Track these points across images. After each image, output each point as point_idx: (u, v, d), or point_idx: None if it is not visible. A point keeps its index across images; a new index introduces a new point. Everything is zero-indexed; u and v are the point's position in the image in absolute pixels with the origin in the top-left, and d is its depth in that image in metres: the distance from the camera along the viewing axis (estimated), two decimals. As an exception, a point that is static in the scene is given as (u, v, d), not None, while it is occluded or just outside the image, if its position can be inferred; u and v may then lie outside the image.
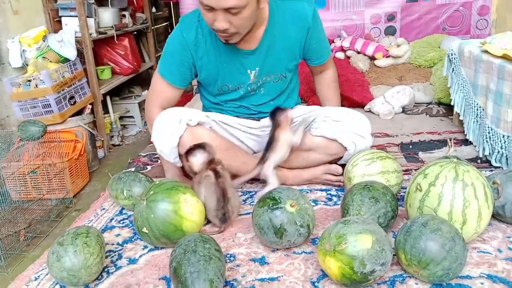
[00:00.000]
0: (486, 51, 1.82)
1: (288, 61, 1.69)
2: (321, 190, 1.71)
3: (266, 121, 1.75)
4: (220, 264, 1.12)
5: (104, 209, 1.69)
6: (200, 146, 1.47)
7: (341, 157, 1.69)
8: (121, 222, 1.58)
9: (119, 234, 1.49)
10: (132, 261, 1.33)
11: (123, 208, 1.69)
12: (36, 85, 2.10)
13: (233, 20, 1.39)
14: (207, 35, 1.59)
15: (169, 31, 4.19)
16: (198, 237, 1.17)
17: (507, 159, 1.70)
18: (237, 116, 1.78)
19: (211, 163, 1.46)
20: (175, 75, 1.66)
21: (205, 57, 1.62)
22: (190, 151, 1.47)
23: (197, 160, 1.46)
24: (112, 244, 1.42)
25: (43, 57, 2.22)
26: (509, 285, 1.11)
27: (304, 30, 1.63)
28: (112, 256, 1.35)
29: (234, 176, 1.65)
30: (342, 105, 1.92)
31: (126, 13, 3.05)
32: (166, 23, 4.14)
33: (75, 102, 2.27)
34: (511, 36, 1.79)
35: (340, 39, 3.00)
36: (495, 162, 1.77)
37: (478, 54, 1.86)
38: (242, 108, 1.77)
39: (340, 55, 2.98)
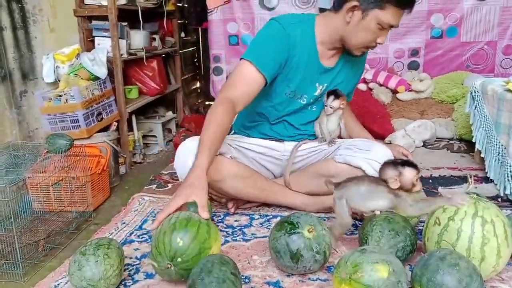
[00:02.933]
0: (509, 90, 1.82)
1: (348, 89, 1.83)
2: (338, 218, 1.70)
3: (290, 145, 1.80)
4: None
5: (124, 223, 1.73)
6: (411, 164, 1.36)
7: None
8: (140, 236, 1.61)
9: (137, 249, 1.51)
10: (149, 275, 1.34)
11: (143, 223, 1.72)
12: (66, 100, 2.18)
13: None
14: (303, 39, 1.64)
15: (196, 55, 4.31)
16: (217, 259, 1.17)
17: (528, 199, 1.68)
18: (262, 138, 1.82)
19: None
20: (266, 61, 1.58)
21: (297, 57, 1.65)
22: (406, 164, 1.35)
23: (411, 174, 1.33)
24: (131, 258, 1.44)
25: (75, 74, 2.30)
26: (528, 327, 1.09)
27: (362, 69, 1.90)
28: (130, 270, 1.37)
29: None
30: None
31: (156, 37, 3.14)
32: (193, 48, 4.25)
33: (102, 119, 2.34)
34: (535, 76, 1.80)
35: (364, 72, 3.04)
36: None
37: (502, 93, 1.86)
38: (282, 124, 1.80)
39: (362, 86, 3.02)
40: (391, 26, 1.57)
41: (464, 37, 3.06)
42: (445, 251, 1.16)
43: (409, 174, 1.33)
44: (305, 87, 1.72)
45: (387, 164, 1.37)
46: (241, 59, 1.63)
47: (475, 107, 2.11)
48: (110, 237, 1.57)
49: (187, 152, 1.61)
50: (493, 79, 2.15)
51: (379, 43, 1.61)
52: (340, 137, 1.85)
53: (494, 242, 1.19)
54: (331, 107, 1.75)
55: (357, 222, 1.67)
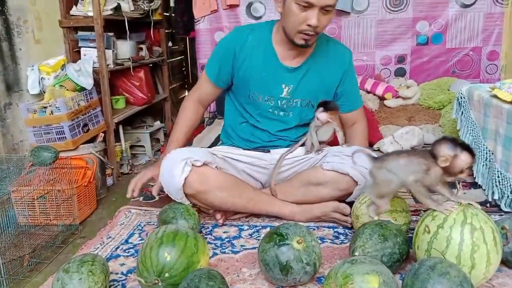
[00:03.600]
0: (495, 96, 1.83)
1: (320, 92, 1.78)
2: (329, 227, 1.70)
3: (277, 155, 1.79)
4: None
5: (110, 237, 1.69)
6: (471, 149, 1.29)
7: (351, 194, 1.69)
8: (127, 251, 1.58)
9: (123, 264, 1.48)
10: (135, 291, 1.32)
11: (129, 237, 1.69)
12: (51, 112, 2.15)
13: (322, 20, 1.57)
14: (257, 42, 1.74)
15: (184, 64, 4.30)
16: (205, 273, 1.15)
17: (517, 204, 1.69)
18: (247, 149, 1.80)
19: None
20: (214, 71, 1.81)
21: (248, 60, 1.74)
22: (466, 147, 1.28)
23: (467, 160, 1.27)
24: (116, 274, 1.41)
25: (60, 85, 2.27)
26: (519, 334, 1.08)
27: (340, 70, 1.79)
28: (116, 286, 1.34)
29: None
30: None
31: (143, 46, 3.13)
32: (181, 57, 4.24)
33: (88, 130, 2.31)
34: (520, 82, 1.81)
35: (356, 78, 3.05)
36: (505, 206, 1.75)
37: (488, 99, 1.88)
38: (260, 132, 1.81)
39: (350, 94, 3.02)
40: (312, 5, 1.53)
41: (450, 44, 3.10)
42: (435, 259, 1.15)
43: (465, 159, 1.26)
44: (268, 88, 1.75)
45: (446, 140, 1.29)
46: None
47: (462, 113, 2.13)
48: (96, 252, 1.55)
49: (172, 163, 1.61)
50: (479, 85, 2.17)
51: (312, 25, 1.56)
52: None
53: (483, 249, 1.19)
54: (318, 118, 1.74)
55: (347, 230, 1.66)
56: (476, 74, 3.11)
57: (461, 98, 2.12)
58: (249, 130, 1.84)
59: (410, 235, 1.53)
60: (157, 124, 3.22)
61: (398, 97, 2.92)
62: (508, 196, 1.73)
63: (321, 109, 1.73)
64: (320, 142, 1.82)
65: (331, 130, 1.80)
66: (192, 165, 1.60)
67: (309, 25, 1.56)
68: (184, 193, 1.63)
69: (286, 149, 1.84)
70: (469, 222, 1.21)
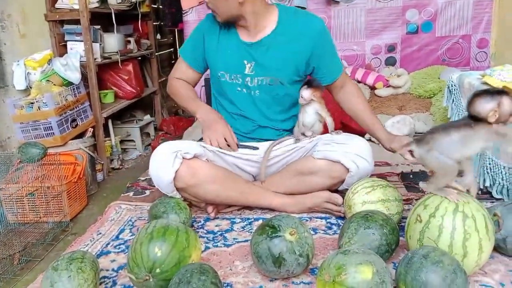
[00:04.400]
0: (486, 83, 1.83)
1: (287, 68, 1.72)
2: (321, 218, 1.69)
3: (265, 147, 1.78)
4: None
5: (100, 233, 1.67)
6: (506, 92, 1.22)
7: (343, 182, 1.68)
8: (117, 247, 1.56)
9: (114, 260, 1.46)
10: (127, 288, 1.30)
11: (120, 232, 1.67)
12: (38, 108, 2.12)
13: None
14: (223, 25, 1.74)
15: (173, 57, 4.26)
16: (196, 268, 1.13)
17: (508, 191, 1.69)
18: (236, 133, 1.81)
19: None
20: (188, 53, 1.86)
21: (214, 41, 1.76)
22: (501, 92, 1.22)
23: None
24: (107, 270, 1.40)
25: (47, 80, 2.24)
26: (512, 320, 1.09)
27: (309, 43, 1.69)
28: (107, 283, 1.32)
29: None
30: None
31: (131, 39, 3.10)
32: (170, 50, 4.20)
33: (76, 125, 2.28)
34: (510, 69, 1.81)
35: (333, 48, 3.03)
36: (496, 193, 1.76)
37: (478, 86, 1.87)
38: (241, 118, 1.80)
39: (341, 84, 3.02)
40: None
41: (439, 32, 3.10)
42: (428, 248, 1.15)
43: (508, 103, 1.19)
44: (232, 66, 1.75)
45: (480, 95, 1.21)
46: None
47: (453, 101, 2.12)
48: (86, 249, 1.54)
49: (162, 156, 1.59)
50: (469, 72, 2.17)
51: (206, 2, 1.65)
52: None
53: (475, 237, 1.19)
54: (302, 96, 1.72)
55: (339, 221, 1.66)
56: (466, 62, 3.12)
57: (452, 86, 2.12)
58: (230, 119, 1.82)
59: (403, 224, 1.53)
60: (147, 118, 3.19)
61: (388, 86, 2.92)
62: (499, 183, 1.74)
63: (305, 86, 1.72)
64: (306, 125, 1.79)
65: (315, 114, 1.76)
66: (183, 158, 1.59)
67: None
68: (176, 187, 1.61)
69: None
70: (460, 211, 1.20)
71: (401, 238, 1.39)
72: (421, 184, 1.35)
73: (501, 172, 1.72)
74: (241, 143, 1.79)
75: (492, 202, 1.72)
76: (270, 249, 1.23)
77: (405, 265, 1.13)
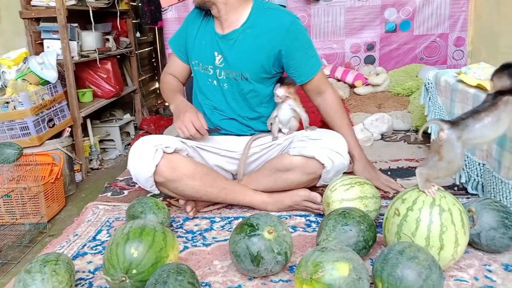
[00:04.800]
0: (461, 81, 1.86)
1: (253, 65, 1.71)
2: (301, 216, 1.70)
3: (243, 144, 1.78)
4: None
5: (77, 235, 1.65)
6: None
7: (320, 178, 1.68)
8: (94, 248, 1.54)
9: (91, 261, 1.44)
10: (103, 289, 1.29)
11: (97, 233, 1.65)
12: (14, 107, 2.07)
13: None
14: (207, 15, 1.78)
15: (153, 55, 4.21)
16: (173, 268, 1.12)
17: (483, 187, 1.72)
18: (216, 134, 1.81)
19: None
20: (174, 43, 1.91)
21: (194, 31, 1.80)
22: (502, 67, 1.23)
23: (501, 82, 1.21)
24: (83, 272, 1.38)
25: (23, 79, 2.19)
26: (485, 314, 1.11)
27: (278, 40, 1.66)
28: (83, 285, 1.31)
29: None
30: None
31: (110, 37, 3.05)
32: (150, 48, 4.16)
33: (54, 125, 2.24)
34: (485, 66, 1.84)
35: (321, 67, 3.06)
36: (472, 189, 1.79)
37: (454, 84, 1.91)
38: (211, 110, 1.83)
39: (321, 82, 3.03)
40: None
41: (417, 31, 3.14)
42: (404, 244, 1.16)
43: None
44: (206, 56, 1.77)
45: (503, 70, 1.21)
46: None
47: (429, 99, 2.16)
48: (61, 250, 1.51)
49: (142, 150, 1.58)
50: (445, 70, 2.20)
51: None
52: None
53: (452, 230, 1.21)
54: (277, 95, 1.73)
55: (319, 218, 1.67)
56: (443, 60, 3.17)
57: (428, 84, 2.15)
58: (202, 111, 1.82)
59: (381, 220, 1.55)
60: (127, 117, 3.16)
61: (367, 84, 2.95)
62: (474, 179, 1.77)
63: (278, 84, 1.73)
64: (282, 123, 1.80)
65: (291, 112, 1.76)
66: (163, 152, 1.57)
67: None
68: (156, 181, 1.60)
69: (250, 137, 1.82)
70: (437, 204, 1.23)
71: (378, 235, 1.41)
72: (418, 169, 1.29)
73: (476, 169, 1.75)
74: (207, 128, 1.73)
75: (468, 198, 1.75)
76: (249, 248, 1.23)
77: (381, 261, 1.15)
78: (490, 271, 1.29)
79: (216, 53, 1.74)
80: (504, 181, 1.49)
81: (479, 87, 1.73)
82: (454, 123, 1.22)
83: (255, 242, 1.23)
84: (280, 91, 1.71)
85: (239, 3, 1.68)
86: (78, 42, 2.56)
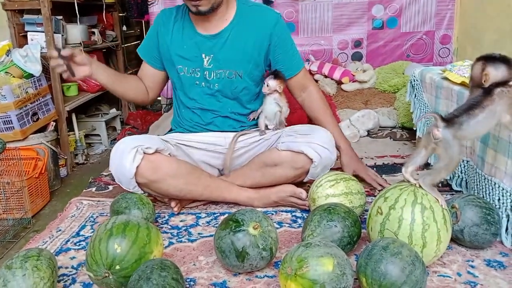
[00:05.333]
0: (446, 78, 1.88)
1: (246, 61, 1.72)
2: (286, 211, 1.70)
3: (230, 139, 1.78)
4: None
5: (60, 230, 1.63)
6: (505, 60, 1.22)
7: (307, 173, 1.69)
8: (77, 244, 1.52)
9: (74, 257, 1.43)
10: (86, 286, 1.27)
11: (81, 229, 1.63)
12: (-4, 101, 2.04)
13: None
14: (179, 17, 1.74)
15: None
16: (157, 264, 1.11)
17: (466, 184, 1.74)
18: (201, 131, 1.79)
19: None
20: (144, 50, 1.84)
21: (168, 36, 1.74)
22: (493, 59, 1.23)
23: (496, 73, 1.21)
24: (66, 268, 1.36)
25: (6, 72, 2.16)
26: (467, 308, 1.12)
27: (265, 36, 1.71)
28: (66, 281, 1.29)
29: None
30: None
31: (96, 30, 3.02)
32: (137, 42, 4.11)
33: (38, 119, 2.21)
34: (469, 64, 1.86)
35: (309, 63, 3.06)
36: (456, 186, 1.81)
37: (439, 81, 1.92)
38: (200, 111, 1.80)
39: (308, 78, 3.04)
40: None
41: (404, 28, 3.16)
42: (387, 240, 1.17)
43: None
44: (192, 60, 1.73)
45: (494, 61, 1.23)
46: None
47: (415, 96, 2.17)
48: (44, 246, 1.49)
49: (122, 152, 1.56)
50: (431, 67, 2.22)
51: None
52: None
53: (434, 227, 1.22)
54: (267, 85, 1.75)
55: (305, 214, 1.67)
56: (430, 57, 3.19)
57: (414, 81, 2.17)
58: (190, 114, 1.82)
59: (366, 216, 1.56)
60: (113, 111, 3.13)
61: (354, 81, 2.96)
62: (458, 176, 1.79)
63: (271, 76, 1.75)
64: (268, 117, 1.82)
65: (275, 105, 1.78)
66: (144, 152, 1.56)
67: None
68: (137, 182, 1.59)
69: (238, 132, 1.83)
70: (419, 202, 1.23)
71: (363, 230, 1.42)
72: (420, 180, 1.28)
73: (460, 166, 1.77)
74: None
75: (452, 194, 1.77)
76: (234, 244, 1.23)
77: (365, 256, 1.15)
78: (473, 266, 1.30)
79: (203, 55, 1.72)
80: (487, 177, 1.51)
81: (463, 84, 1.74)
82: (449, 121, 1.21)
83: (240, 237, 1.23)
84: (272, 82, 1.74)
85: (230, 1, 1.70)
86: (63, 35, 2.53)
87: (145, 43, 1.85)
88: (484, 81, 1.24)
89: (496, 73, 1.22)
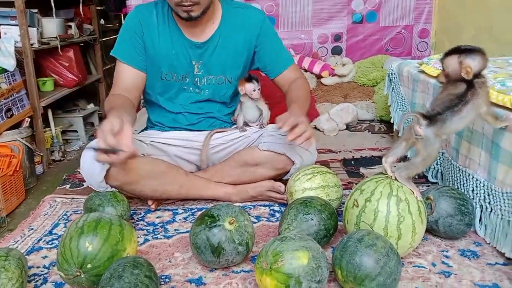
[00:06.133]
0: (423, 71, 1.89)
1: (234, 65, 1.71)
2: (265, 206, 1.70)
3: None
4: None
5: (32, 229, 1.59)
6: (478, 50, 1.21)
7: (287, 173, 1.69)
8: (50, 242, 1.49)
9: (46, 256, 1.40)
10: (58, 285, 1.24)
11: (54, 227, 1.60)
12: (-33, 97, 1.99)
13: None
14: (162, 19, 1.64)
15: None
16: (130, 261, 1.09)
17: (442, 175, 1.76)
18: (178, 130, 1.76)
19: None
20: (126, 52, 1.64)
21: (156, 38, 1.63)
22: (467, 51, 1.21)
23: (475, 64, 1.20)
24: (38, 267, 1.33)
25: (-23, 67, 2.10)
26: (441, 298, 1.14)
27: (253, 37, 1.68)
28: (37, 280, 1.26)
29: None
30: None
31: (72, 24, 2.96)
32: (116, 36, 4.05)
33: (12, 115, 2.16)
34: (444, 58, 1.88)
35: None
36: (431, 177, 1.83)
37: (416, 74, 1.94)
38: (182, 114, 1.76)
39: (288, 72, 3.04)
40: None
41: (383, 22, 3.18)
42: (362, 232, 1.18)
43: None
44: (182, 67, 1.68)
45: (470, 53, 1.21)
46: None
47: (393, 89, 2.19)
48: (15, 245, 1.46)
49: (91, 155, 1.45)
50: (408, 61, 2.23)
51: None
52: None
53: (409, 219, 1.23)
54: (246, 92, 1.74)
55: (283, 208, 1.67)
56: (408, 51, 3.22)
57: (392, 74, 2.18)
58: (172, 115, 1.79)
59: (343, 209, 1.56)
60: (91, 107, 3.07)
61: (334, 75, 2.97)
62: (434, 168, 1.81)
63: (251, 81, 1.74)
64: (249, 122, 1.82)
65: (256, 111, 1.78)
66: None
67: None
68: (110, 185, 1.54)
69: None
70: (395, 194, 1.24)
71: (340, 223, 1.42)
72: (397, 173, 1.28)
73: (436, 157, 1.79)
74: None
75: (428, 185, 1.79)
76: (209, 239, 1.22)
77: (340, 249, 1.16)
78: (447, 257, 1.32)
79: (193, 62, 1.68)
80: (461, 169, 1.53)
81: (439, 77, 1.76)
82: (432, 119, 1.20)
83: (216, 233, 1.22)
84: (249, 86, 1.72)
85: (214, 3, 1.63)
86: (38, 29, 2.47)
87: (126, 45, 1.65)
88: (466, 74, 1.22)
89: (475, 64, 1.21)
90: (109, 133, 1.23)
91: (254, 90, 1.75)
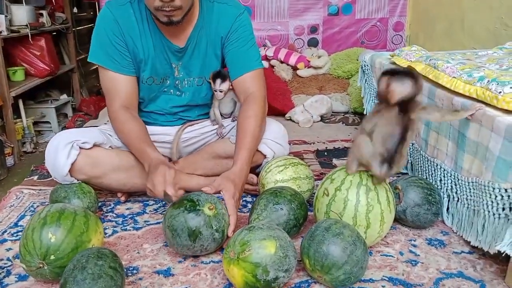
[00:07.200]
0: (394, 63, 1.91)
1: (211, 65, 1.66)
2: (237, 197, 1.69)
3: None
4: (111, 283, 1.02)
5: (-4, 221, 1.56)
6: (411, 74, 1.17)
7: (259, 166, 1.69)
8: (15, 235, 1.45)
9: (10, 249, 1.36)
10: (21, 278, 1.21)
11: (19, 219, 1.56)
12: None
13: None
14: (139, 17, 1.52)
15: (93, 33, 4.03)
16: (94, 252, 1.07)
17: (412, 166, 1.79)
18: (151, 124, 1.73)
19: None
20: (111, 56, 1.51)
21: (138, 39, 1.53)
22: (397, 74, 1.17)
23: (402, 89, 1.15)
24: (1, 260, 1.30)
25: None
26: (408, 287, 1.15)
27: (223, 32, 1.60)
28: (0, 273, 1.23)
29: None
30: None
31: (44, 12, 2.90)
32: (90, 25, 3.97)
33: (-21, 106, 2.10)
34: (416, 49, 1.90)
35: (265, 48, 3.05)
36: (402, 168, 1.85)
37: (387, 66, 1.95)
38: (167, 114, 1.73)
39: (264, 63, 3.02)
40: None
41: (359, 14, 3.19)
42: (330, 221, 1.19)
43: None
44: (163, 70, 1.61)
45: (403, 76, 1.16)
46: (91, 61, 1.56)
47: (366, 81, 2.20)
48: (-22, 238, 1.42)
49: (55, 148, 1.46)
50: (381, 53, 2.25)
51: (165, 0, 1.35)
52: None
53: (377, 208, 1.24)
54: (220, 91, 1.68)
55: (254, 199, 1.67)
56: (383, 44, 3.25)
57: (365, 66, 2.19)
58: (150, 115, 1.74)
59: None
60: (64, 97, 3.02)
61: (310, 67, 2.98)
62: (404, 159, 1.83)
63: (219, 80, 1.66)
64: (225, 115, 1.81)
65: (231, 102, 1.76)
66: (80, 148, 1.47)
67: (161, 0, 1.36)
68: (76, 179, 1.50)
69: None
70: (364, 184, 1.25)
71: (310, 213, 1.43)
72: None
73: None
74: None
75: (398, 176, 1.81)
76: (187, 222, 1.20)
77: (308, 238, 1.17)
78: (415, 245, 1.34)
79: (173, 65, 1.61)
80: (429, 159, 1.55)
81: (409, 68, 1.78)
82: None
83: (194, 217, 1.21)
84: (225, 85, 1.66)
85: (193, 10, 1.54)
86: (7, 16, 2.41)
87: (109, 50, 1.51)
88: (390, 97, 1.16)
89: (401, 88, 1.15)
90: (173, 186, 1.28)
91: (216, 91, 1.68)
